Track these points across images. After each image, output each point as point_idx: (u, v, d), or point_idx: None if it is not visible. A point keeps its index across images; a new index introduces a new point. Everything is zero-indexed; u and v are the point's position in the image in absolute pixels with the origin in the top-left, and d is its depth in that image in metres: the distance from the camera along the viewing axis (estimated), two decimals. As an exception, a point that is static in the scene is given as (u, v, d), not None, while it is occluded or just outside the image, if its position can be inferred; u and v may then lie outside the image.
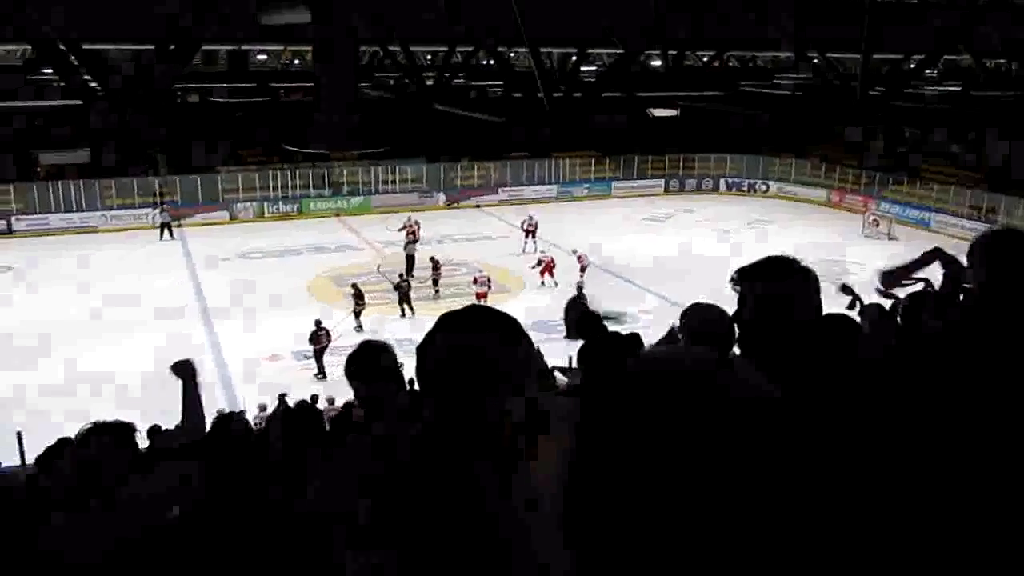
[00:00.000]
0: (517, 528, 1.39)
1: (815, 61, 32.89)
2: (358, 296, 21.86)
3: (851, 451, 1.52)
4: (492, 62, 38.37)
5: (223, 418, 5.04)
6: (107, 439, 3.01)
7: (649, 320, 18.13)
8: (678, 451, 0.77)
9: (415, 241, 27.07)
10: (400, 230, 28.11)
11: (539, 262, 25.91)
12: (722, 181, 42.66)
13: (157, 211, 32.59)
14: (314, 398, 13.31)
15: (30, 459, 11.78)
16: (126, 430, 3.15)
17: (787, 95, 41.06)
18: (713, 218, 35.65)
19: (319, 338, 19.18)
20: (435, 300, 23.93)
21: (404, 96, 32.36)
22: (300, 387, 15.85)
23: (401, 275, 23.75)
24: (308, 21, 7.37)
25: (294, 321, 21.30)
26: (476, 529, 1.40)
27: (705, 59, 43.59)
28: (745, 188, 42.05)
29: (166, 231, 31.71)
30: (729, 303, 2.40)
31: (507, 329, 1.52)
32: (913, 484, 1.54)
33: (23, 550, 2.82)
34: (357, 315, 21.72)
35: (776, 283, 2.11)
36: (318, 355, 19.15)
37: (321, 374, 18.89)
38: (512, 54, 37.57)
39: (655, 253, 28.87)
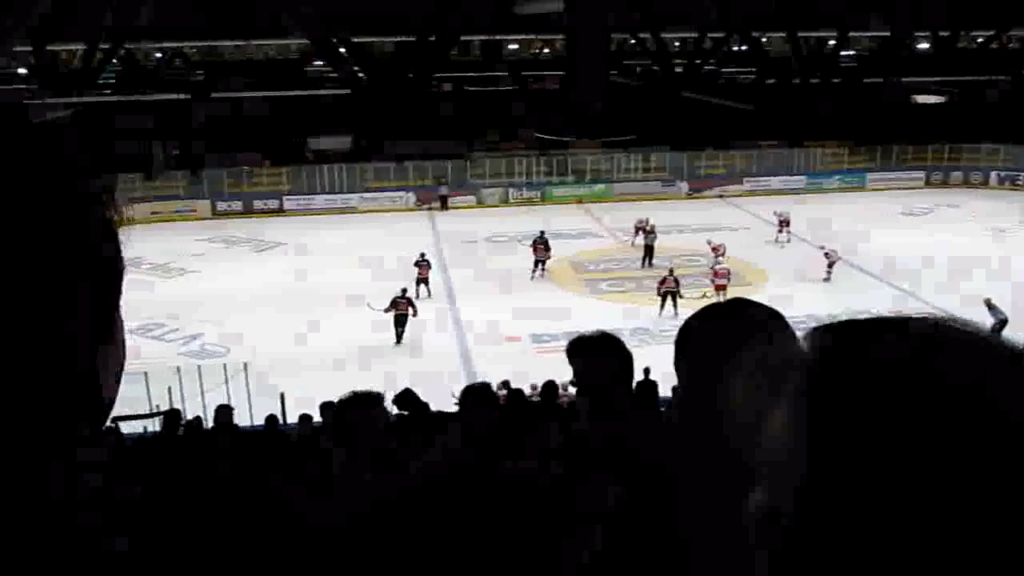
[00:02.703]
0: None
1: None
2: (423, 265, 23.63)
3: None
4: (745, 47, 37.24)
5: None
6: (363, 406, 3.17)
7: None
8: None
9: (652, 233, 26.68)
10: (637, 233, 27.79)
11: (713, 247, 25.44)
12: (993, 174, 38.92)
13: (440, 188, 35.32)
14: (551, 383, 13.37)
15: (291, 419, 12.89)
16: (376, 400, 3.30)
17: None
18: (983, 214, 32.62)
19: (398, 304, 20.36)
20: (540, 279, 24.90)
21: (652, 83, 32.10)
22: (536, 368, 16.13)
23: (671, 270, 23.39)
24: (561, 10, 7.41)
25: (534, 304, 21.80)
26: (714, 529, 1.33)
27: (980, 40, 40.01)
28: (1021, 182, 38.19)
29: (442, 205, 34.79)
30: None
31: (771, 323, 1.41)
32: None
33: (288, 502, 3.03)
34: (423, 283, 23.32)
35: None
36: (398, 321, 20.31)
37: (399, 340, 20.18)
38: (764, 39, 36.24)
39: (914, 251, 26.85)
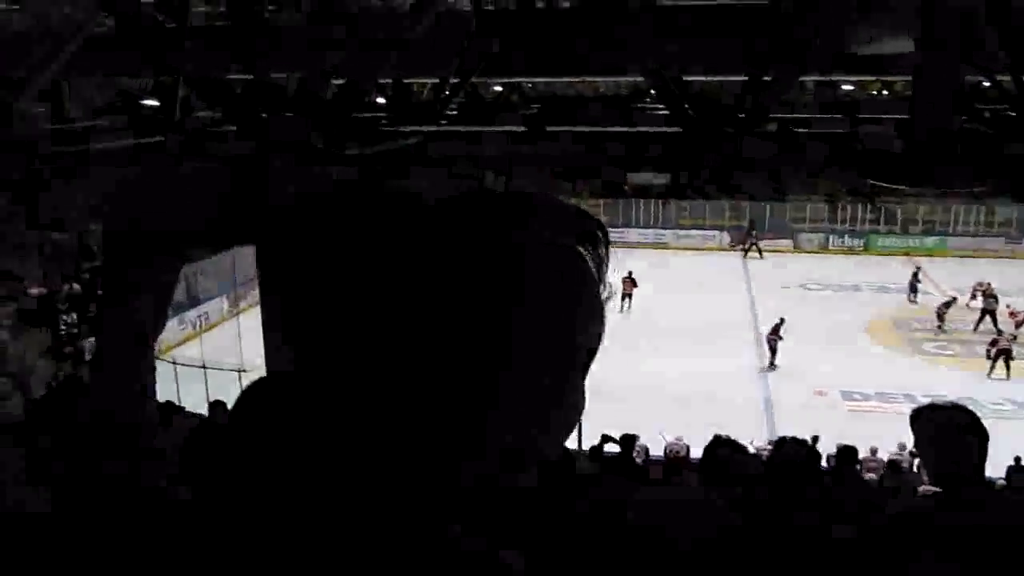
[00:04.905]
0: None
1: None
2: (631, 282, 25.48)
3: None
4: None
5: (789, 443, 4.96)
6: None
7: None
8: None
9: (993, 298, 24.18)
10: (974, 296, 25.29)
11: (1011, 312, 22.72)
12: None
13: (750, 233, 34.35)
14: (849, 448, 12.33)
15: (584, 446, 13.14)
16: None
17: None
18: None
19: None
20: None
21: (1006, 129, 29.18)
22: (844, 426, 15.19)
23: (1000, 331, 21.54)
24: (911, 50, 7.00)
25: (847, 359, 20.64)
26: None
27: None
28: None
29: (754, 249, 33.54)
30: None
31: None
32: None
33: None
34: (627, 298, 25.23)
35: None
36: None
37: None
38: None
39: None
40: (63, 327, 18.78)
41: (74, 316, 18.87)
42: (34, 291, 20.19)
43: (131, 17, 6.41)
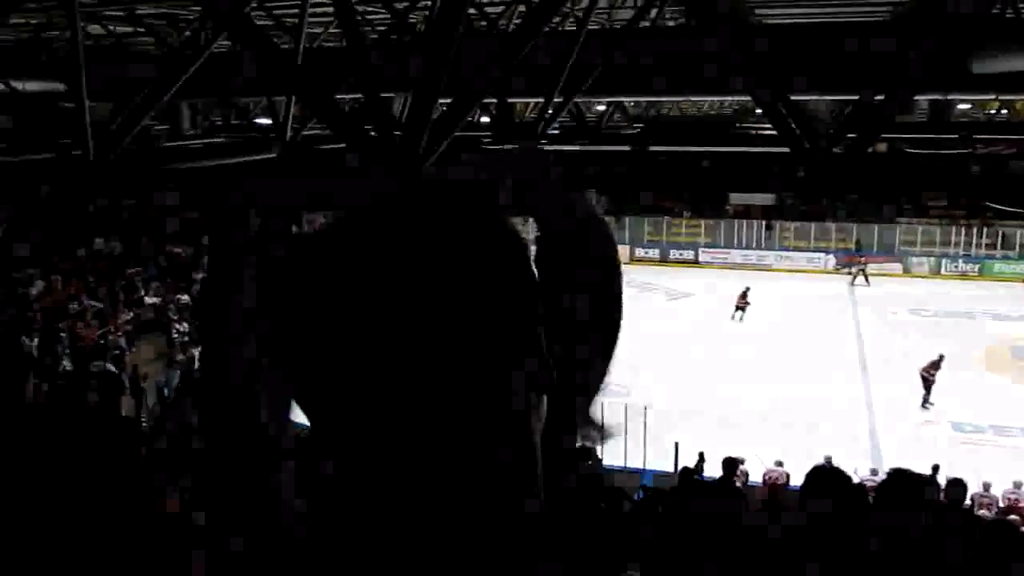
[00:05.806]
0: None
1: None
2: (743, 297, 26.46)
3: None
4: None
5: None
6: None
7: None
8: None
9: None
10: None
11: None
12: None
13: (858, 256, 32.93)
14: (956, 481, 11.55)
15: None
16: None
17: None
18: None
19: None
20: None
21: None
22: (954, 460, 14.54)
23: None
24: (1033, 70, 6.70)
25: (959, 389, 19.78)
26: None
27: None
28: None
29: (860, 275, 31.93)
30: None
31: None
32: None
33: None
34: (740, 309, 26.38)
35: None
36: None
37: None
38: None
39: None
40: (175, 335, 19.51)
41: (186, 325, 19.58)
42: (150, 300, 21.10)
43: (249, 38, 6.67)
